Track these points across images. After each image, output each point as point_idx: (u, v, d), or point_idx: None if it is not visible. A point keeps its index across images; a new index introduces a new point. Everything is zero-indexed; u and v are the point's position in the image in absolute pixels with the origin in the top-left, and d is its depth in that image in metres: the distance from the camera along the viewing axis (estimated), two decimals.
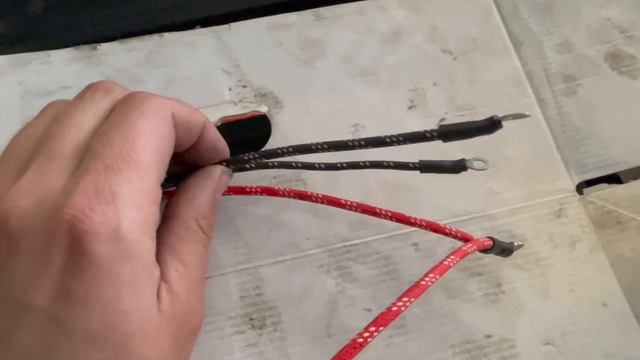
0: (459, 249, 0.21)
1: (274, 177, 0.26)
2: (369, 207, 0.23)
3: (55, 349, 0.16)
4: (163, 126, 0.19)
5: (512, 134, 0.28)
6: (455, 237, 0.23)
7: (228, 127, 0.27)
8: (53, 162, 0.18)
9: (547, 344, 0.24)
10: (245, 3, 0.30)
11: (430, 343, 0.24)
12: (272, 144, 0.27)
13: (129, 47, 0.28)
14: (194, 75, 0.28)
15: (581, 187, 0.27)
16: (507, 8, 0.31)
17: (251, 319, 0.24)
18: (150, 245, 0.18)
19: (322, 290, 0.24)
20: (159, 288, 0.18)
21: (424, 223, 0.23)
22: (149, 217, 0.18)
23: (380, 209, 0.23)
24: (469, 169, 0.20)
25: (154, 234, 0.18)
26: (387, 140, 0.18)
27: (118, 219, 0.17)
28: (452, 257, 0.20)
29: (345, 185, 0.26)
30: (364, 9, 0.30)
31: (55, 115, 0.19)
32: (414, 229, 0.24)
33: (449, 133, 0.17)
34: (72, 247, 0.16)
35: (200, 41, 0.29)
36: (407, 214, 0.23)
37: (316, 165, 0.22)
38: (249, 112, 0.27)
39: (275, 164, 0.23)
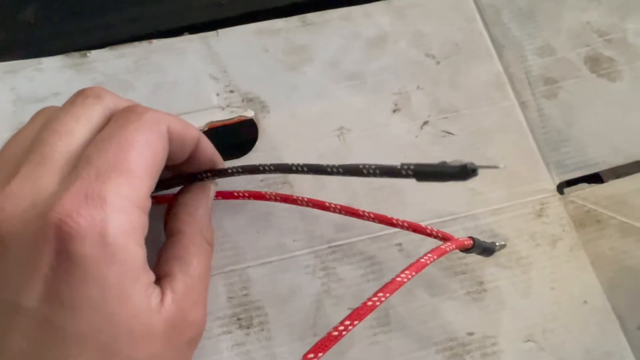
0: (437, 247, 0.22)
1: (261, 180, 0.27)
2: (353, 209, 0.24)
3: (46, 350, 0.17)
4: (158, 140, 0.19)
5: (494, 136, 0.29)
6: (436, 237, 0.23)
7: (215, 132, 0.28)
8: (43, 167, 0.18)
9: (528, 340, 0.25)
10: (233, 10, 0.31)
11: (414, 340, 0.24)
12: (258, 147, 0.28)
13: (118, 54, 0.29)
14: (183, 80, 0.29)
15: (562, 187, 0.28)
16: (490, 14, 0.32)
17: (239, 319, 0.24)
18: (137, 251, 0.18)
19: (308, 290, 0.25)
20: (164, 295, 0.19)
21: (405, 224, 0.23)
22: (136, 224, 0.18)
23: (364, 211, 0.24)
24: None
25: (141, 240, 0.19)
26: (364, 171, 0.19)
27: (105, 224, 0.17)
28: (430, 255, 0.21)
29: (332, 187, 0.27)
30: (350, 15, 0.31)
31: (46, 121, 0.20)
32: (397, 229, 0.25)
33: (423, 174, 0.18)
34: (59, 250, 0.17)
35: (188, 47, 0.29)
36: (392, 215, 0.24)
37: (298, 168, 0.23)
38: (235, 117, 0.28)
39: (261, 168, 0.23)
